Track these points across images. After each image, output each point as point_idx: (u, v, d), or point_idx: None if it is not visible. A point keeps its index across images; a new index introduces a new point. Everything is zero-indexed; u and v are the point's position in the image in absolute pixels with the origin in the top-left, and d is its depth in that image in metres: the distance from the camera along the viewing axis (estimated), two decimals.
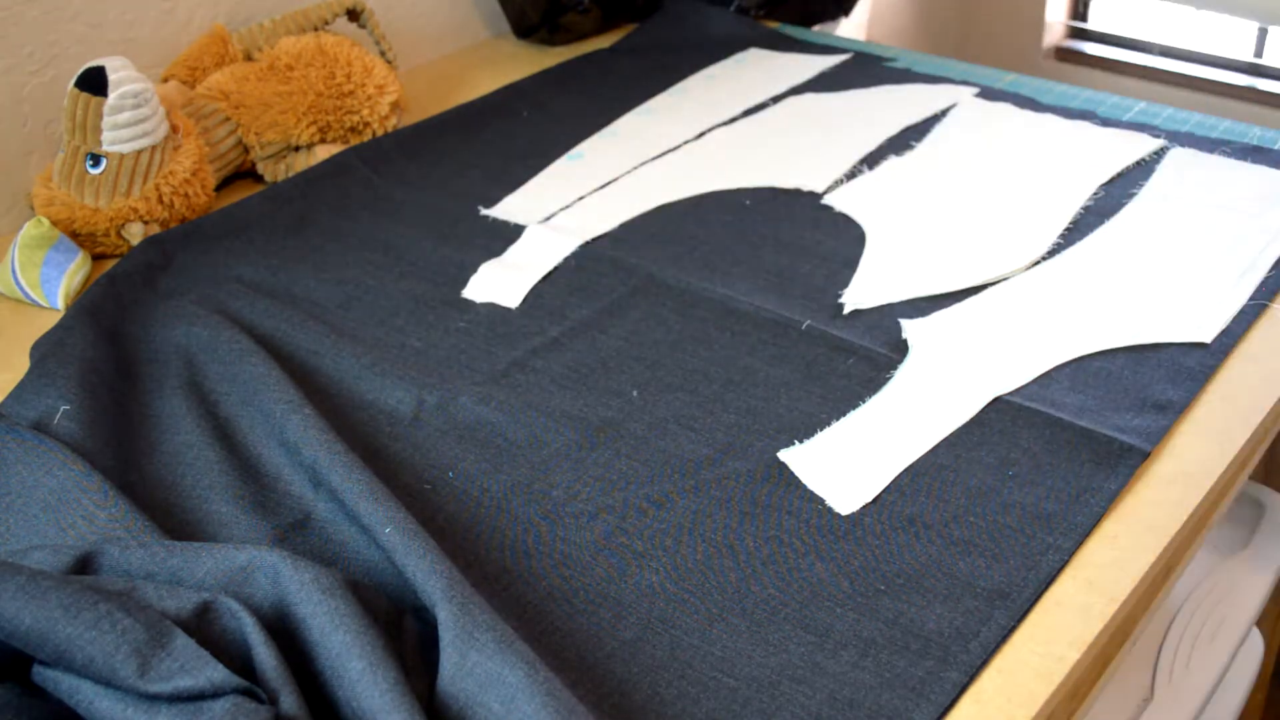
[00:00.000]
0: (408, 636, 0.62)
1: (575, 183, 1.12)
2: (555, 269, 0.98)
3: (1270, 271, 0.94)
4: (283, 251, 1.02)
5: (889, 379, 0.84)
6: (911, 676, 0.62)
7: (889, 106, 1.24)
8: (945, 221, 1.03)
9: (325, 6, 1.23)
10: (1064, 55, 2.05)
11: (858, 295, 0.93)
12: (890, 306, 0.92)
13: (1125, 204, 1.04)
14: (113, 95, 0.97)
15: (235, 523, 0.72)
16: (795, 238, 1.02)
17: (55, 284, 0.95)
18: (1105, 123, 1.19)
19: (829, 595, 0.67)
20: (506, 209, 1.08)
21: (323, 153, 1.16)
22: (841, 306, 0.92)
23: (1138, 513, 0.72)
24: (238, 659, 0.55)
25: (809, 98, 1.28)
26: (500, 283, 0.97)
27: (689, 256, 1.00)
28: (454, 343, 0.90)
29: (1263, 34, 1.88)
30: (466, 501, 0.75)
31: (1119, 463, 0.75)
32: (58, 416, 0.77)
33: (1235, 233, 0.99)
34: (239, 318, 0.90)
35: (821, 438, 0.79)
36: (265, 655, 0.54)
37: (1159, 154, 1.12)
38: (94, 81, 0.97)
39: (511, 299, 0.95)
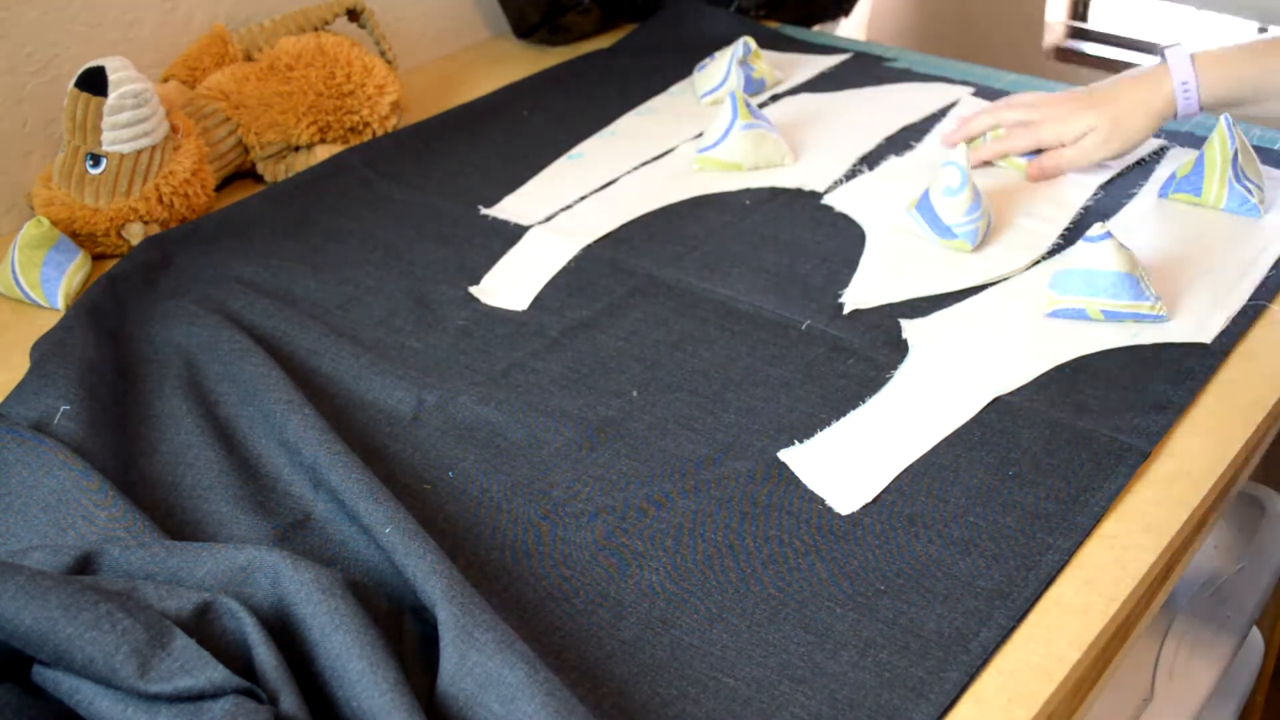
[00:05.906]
0: (408, 636, 0.62)
1: (575, 183, 1.12)
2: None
3: (1270, 271, 0.94)
4: (283, 251, 1.02)
5: (889, 379, 0.84)
6: (911, 676, 0.62)
7: (889, 106, 1.24)
8: None
9: (325, 6, 1.23)
10: (1064, 55, 2.05)
11: (858, 295, 0.93)
12: (890, 306, 0.92)
13: (1125, 204, 1.04)
14: (113, 95, 0.97)
15: (235, 523, 0.72)
16: (795, 238, 1.02)
17: (55, 284, 0.95)
18: None
19: (829, 595, 0.67)
20: (506, 209, 1.08)
21: (323, 153, 1.16)
22: (841, 306, 0.92)
23: (1137, 513, 0.72)
24: (238, 659, 0.55)
25: (808, 98, 1.28)
26: (509, 286, 0.96)
27: (689, 256, 1.00)
28: (454, 343, 0.90)
29: (1262, 34, 1.87)
30: (466, 501, 0.75)
31: (1118, 463, 0.75)
32: (58, 416, 0.77)
33: (1235, 233, 0.99)
34: (239, 318, 0.90)
35: (821, 438, 0.79)
36: (265, 655, 0.54)
37: (1159, 154, 1.12)
38: (94, 81, 0.97)
39: (520, 302, 0.94)
